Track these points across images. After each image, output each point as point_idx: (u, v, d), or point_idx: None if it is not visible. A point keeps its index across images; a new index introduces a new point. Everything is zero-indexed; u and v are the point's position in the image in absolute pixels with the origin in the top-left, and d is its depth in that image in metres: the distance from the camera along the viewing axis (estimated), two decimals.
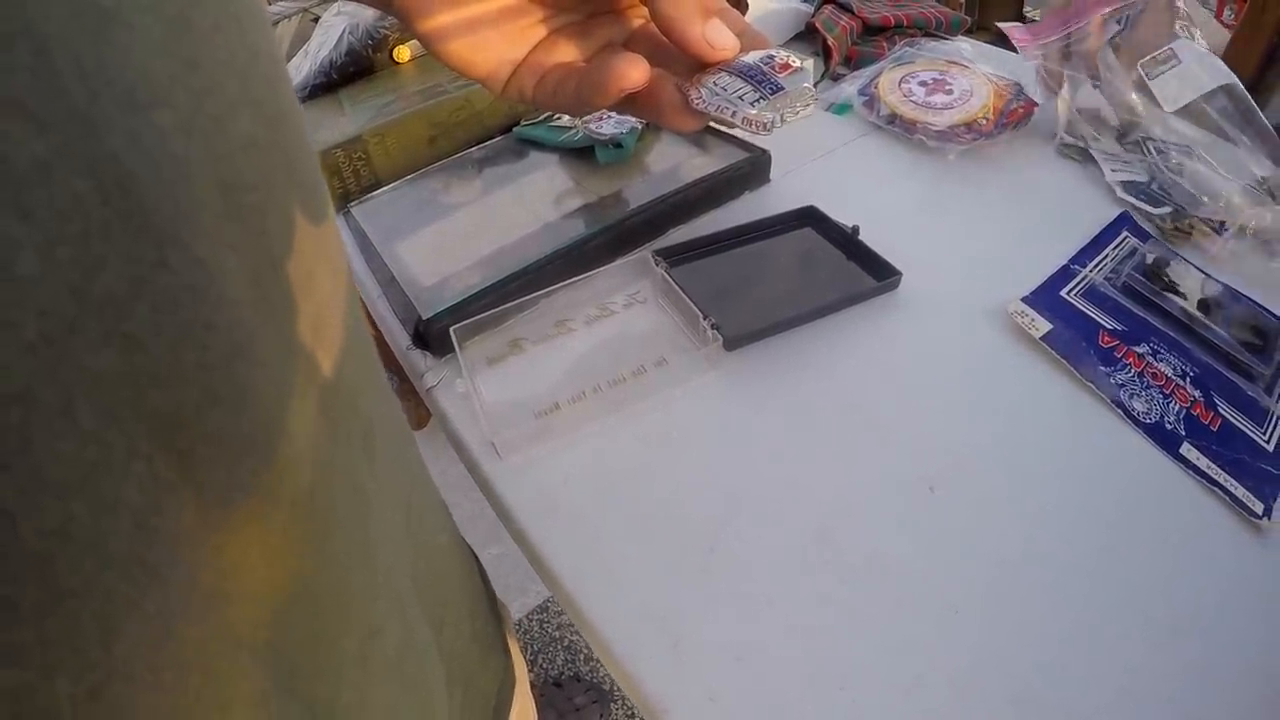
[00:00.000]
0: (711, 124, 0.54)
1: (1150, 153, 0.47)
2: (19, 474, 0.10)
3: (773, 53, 0.27)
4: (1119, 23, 0.51)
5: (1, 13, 0.09)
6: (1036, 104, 0.54)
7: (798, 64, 0.27)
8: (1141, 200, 0.47)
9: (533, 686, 1.00)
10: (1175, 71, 0.49)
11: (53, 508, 0.10)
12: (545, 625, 1.10)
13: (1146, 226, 0.46)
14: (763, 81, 0.26)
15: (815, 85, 0.60)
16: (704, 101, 0.27)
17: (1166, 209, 0.46)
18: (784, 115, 0.26)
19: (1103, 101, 0.50)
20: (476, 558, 0.36)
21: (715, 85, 0.27)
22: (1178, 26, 0.50)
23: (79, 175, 0.10)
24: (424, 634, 0.24)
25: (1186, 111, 0.49)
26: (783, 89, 0.26)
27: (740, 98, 0.26)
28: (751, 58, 0.27)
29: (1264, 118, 0.47)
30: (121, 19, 0.11)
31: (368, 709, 0.19)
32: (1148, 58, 0.49)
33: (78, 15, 0.10)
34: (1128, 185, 0.47)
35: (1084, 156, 0.51)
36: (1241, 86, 0.48)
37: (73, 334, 0.10)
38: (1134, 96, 0.49)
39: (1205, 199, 0.45)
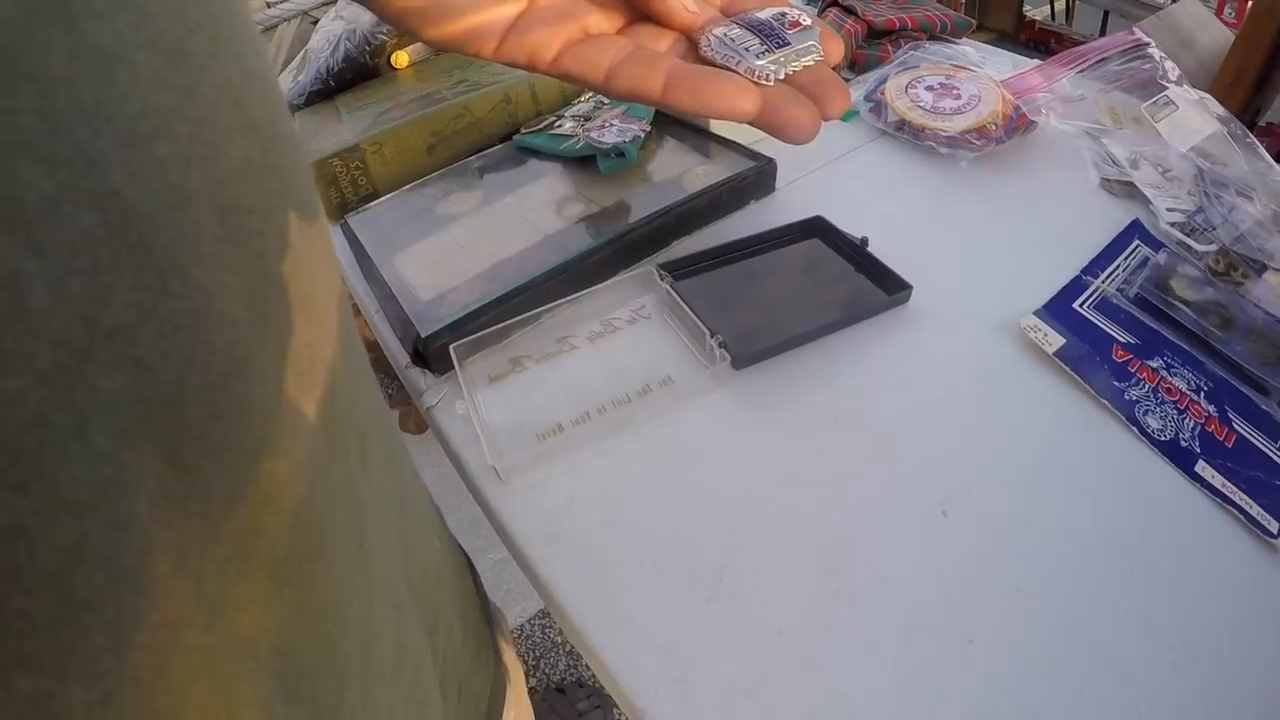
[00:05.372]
0: (716, 132, 0.53)
1: (1204, 181, 0.47)
2: (35, 495, 0.10)
3: (784, 10, 0.28)
4: (1116, 70, 0.52)
5: (4, 58, 0.10)
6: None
7: (807, 22, 0.28)
8: (1190, 237, 0.46)
9: (535, 692, 1.00)
10: (1175, 116, 0.49)
11: (68, 525, 0.11)
12: (547, 630, 1.09)
13: (1196, 266, 0.44)
14: (770, 35, 0.27)
15: None
16: (711, 50, 0.27)
17: (1213, 246, 0.45)
18: (786, 69, 0.26)
19: (1127, 141, 0.50)
20: (469, 560, 0.36)
21: (725, 36, 0.27)
22: (1159, 75, 0.51)
23: (85, 210, 0.11)
24: (418, 638, 0.24)
25: (1197, 151, 0.49)
26: (788, 44, 0.27)
27: (747, 49, 0.27)
28: (765, 13, 0.28)
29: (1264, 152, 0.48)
30: (120, 57, 0.11)
31: (370, 712, 0.20)
32: (1149, 102, 0.49)
33: (77, 56, 0.10)
34: (1176, 223, 0.46)
35: (1128, 192, 0.49)
36: (1239, 124, 0.49)
37: (85, 361, 0.11)
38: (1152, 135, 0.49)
39: (1246, 232, 0.44)
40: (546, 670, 1.06)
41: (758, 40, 0.27)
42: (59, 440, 0.11)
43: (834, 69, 0.28)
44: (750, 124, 0.26)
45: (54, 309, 0.10)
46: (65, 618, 0.11)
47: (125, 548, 0.12)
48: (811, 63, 0.27)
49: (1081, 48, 0.56)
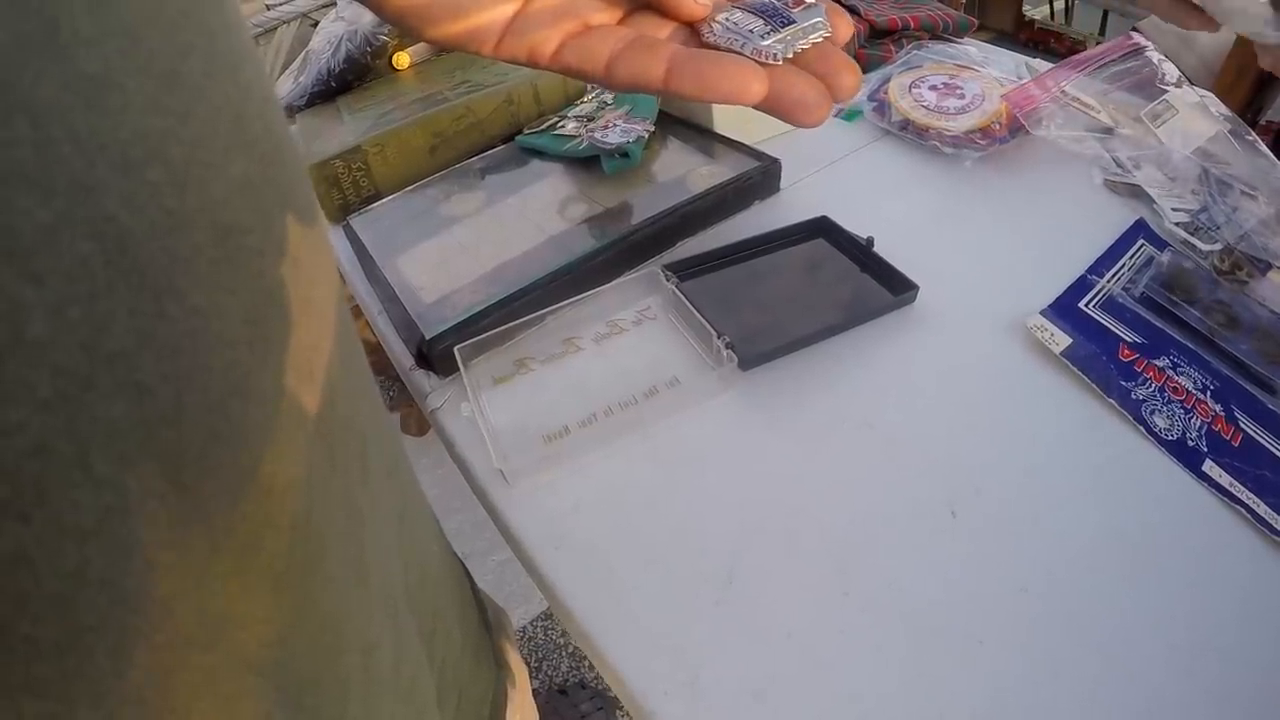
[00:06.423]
0: (720, 132, 0.53)
1: (1209, 181, 0.47)
2: (38, 524, 0.10)
3: None
4: (1116, 72, 0.52)
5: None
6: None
7: (811, 0, 0.27)
8: (1194, 236, 0.46)
9: (537, 694, 1.00)
10: (1175, 120, 0.49)
11: (70, 552, 0.11)
12: (549, 632, 1.09)
13: (1201, 265, 0.44)
14: (774, 16, 0.26)
15: None
16: (714, 36, 0.27)
17: (1218, 245, 0.45)
18: (793, 47, 0.26)
19: (1129, 142, 0.50)
20: (465, 567, 0.36)
21: (728, 20, 0.27)
22: (1158, 80, 0.51)
23: (82, 238, 0.11)
24: (414, 645, 0.24)
25: (1199, 153, 0.49)
26: (793, 21, 0.26)
27: (750, 31, 0.26)
28: None
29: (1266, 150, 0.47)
30: (111, 83, 0.11)
31: None
32: (1147, 109, 0.49)
33: (68, 85, 0.10)
34: (1181, 222, 0.46)
35: (1132, 191, 0.49)
36: (1241, 122, 0.48)
37: (86, 389, 0.11)
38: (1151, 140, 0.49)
39: (1250, 231, 0.44)
40: (549, 672, 1.05)
41: (761, 21, 0.26)
42: (61, 468, 0.11)
43: (843, 48, 0.27)
44: (757, 107, 0.25)
45: (54, 338, 0.10)
46: (70, 643, 0.11)
47: (127, 571, 0.12)
48: (819, 39, 0.26)
49: (1079, 56, 0.56)
